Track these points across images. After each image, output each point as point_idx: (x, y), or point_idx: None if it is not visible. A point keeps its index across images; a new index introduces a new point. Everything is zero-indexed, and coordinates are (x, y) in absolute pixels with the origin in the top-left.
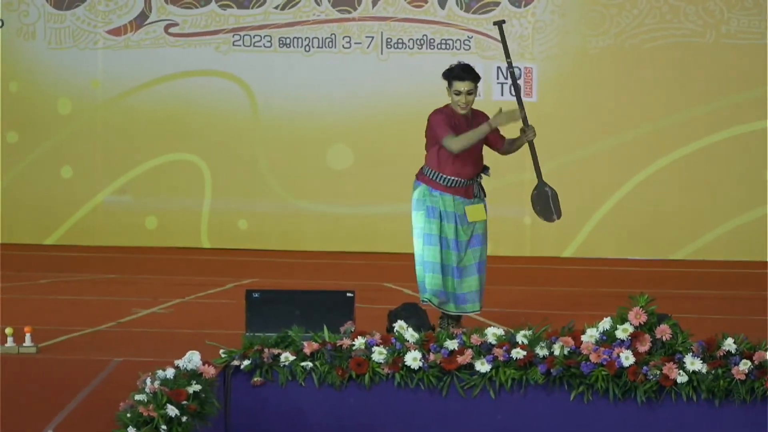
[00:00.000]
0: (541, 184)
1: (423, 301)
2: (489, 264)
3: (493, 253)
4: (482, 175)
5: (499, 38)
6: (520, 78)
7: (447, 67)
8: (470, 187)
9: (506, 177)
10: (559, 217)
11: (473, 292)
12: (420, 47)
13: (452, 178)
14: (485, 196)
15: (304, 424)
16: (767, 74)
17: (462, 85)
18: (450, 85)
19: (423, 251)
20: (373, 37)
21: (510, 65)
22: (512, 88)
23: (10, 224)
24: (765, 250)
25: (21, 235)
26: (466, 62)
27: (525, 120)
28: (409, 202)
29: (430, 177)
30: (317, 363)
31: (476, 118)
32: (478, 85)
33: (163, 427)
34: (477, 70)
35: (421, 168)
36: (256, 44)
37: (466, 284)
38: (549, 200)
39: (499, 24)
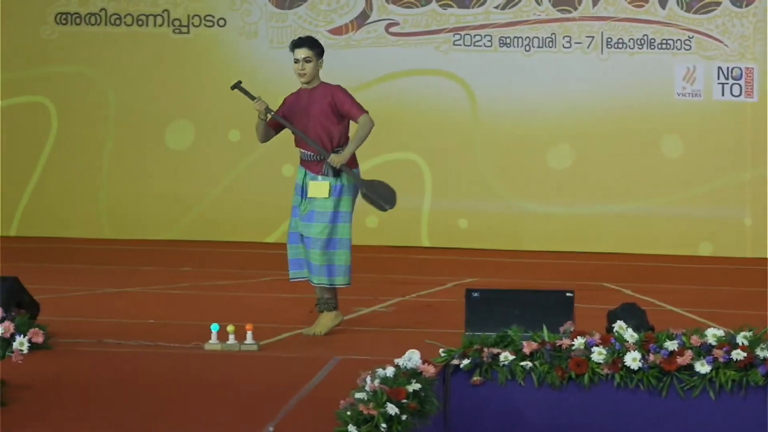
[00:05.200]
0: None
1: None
2: (709, 264)
3: (714, 253)
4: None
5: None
6: (741, 78)
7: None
8: (318, 163)
9: (726, 177)
10: (391, 205)
11: (315, 265)
12: (640, 47)
13: (301, 151)
14: (336, 176)
15: (522, 423)
16: None
17: (299, 52)
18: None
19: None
20: (593, 37)
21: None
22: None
23: (233, 222)
24: None
25: (243, 233)
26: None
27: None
28: (635, 203)
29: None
30: (536, 363)
31: (316, 91)
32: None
33: (383, 425)
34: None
35: None
36: (476, 44)
37: (310, 255)
38: (379, 190)
39: (237, 85)
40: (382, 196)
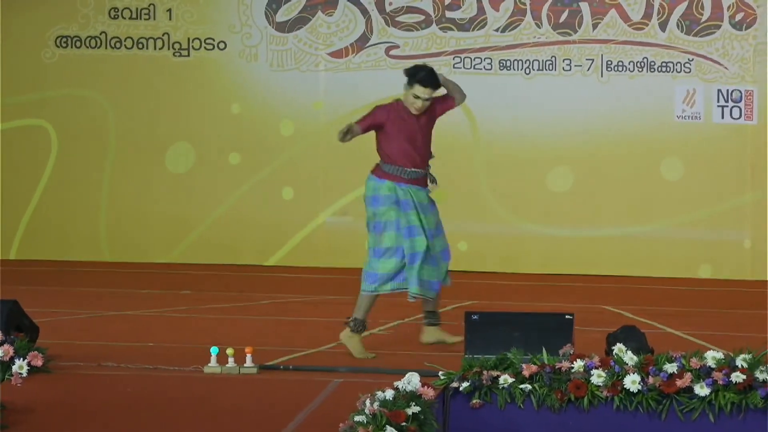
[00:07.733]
0: None
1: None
2: (709, 287)
3: (713, 276)
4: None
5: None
6: (741, 101)
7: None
8: (424, 178)
9: (726, 200)
10: None
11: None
12: (640, 70)
13: (406, 169)
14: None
15: None
16: None
17: (424, 92)
18: (410, 85)
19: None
20: (593, 60)
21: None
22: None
23: (233, 245)
24: None
25: (243, 255)
26: (432, 67)
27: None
28: (635, 225)
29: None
30: (536, 385)
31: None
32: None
33: None
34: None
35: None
36: (476, 66)
37: (441, 268)
38: None
39: None
40: None
